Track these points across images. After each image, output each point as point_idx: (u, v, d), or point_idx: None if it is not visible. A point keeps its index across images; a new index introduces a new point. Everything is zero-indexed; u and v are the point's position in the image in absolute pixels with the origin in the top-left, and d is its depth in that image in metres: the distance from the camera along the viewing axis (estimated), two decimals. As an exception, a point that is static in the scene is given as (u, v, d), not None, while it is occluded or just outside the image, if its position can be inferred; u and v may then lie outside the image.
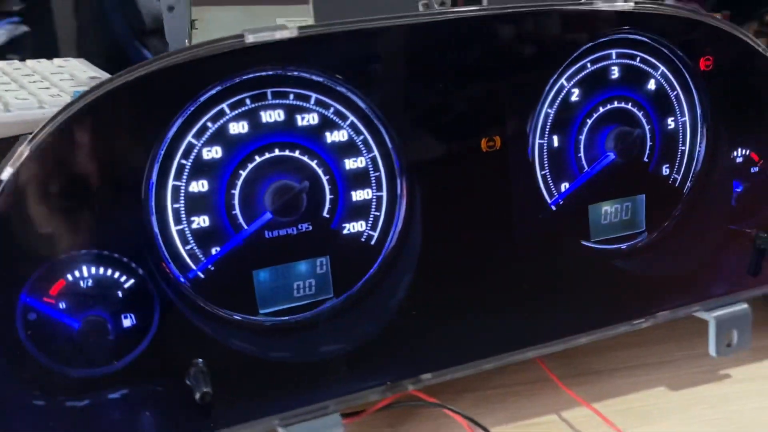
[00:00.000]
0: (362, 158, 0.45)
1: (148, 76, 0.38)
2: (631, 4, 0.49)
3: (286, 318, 0.45)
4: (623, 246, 0.54)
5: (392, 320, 0.45)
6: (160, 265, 0.41)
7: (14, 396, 0.38)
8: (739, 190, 0.56)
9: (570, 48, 0.48)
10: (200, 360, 0.40)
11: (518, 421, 0.47)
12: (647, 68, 0.52)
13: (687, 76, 0.53)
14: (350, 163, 0.45)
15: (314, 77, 0.43)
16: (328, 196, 0.45)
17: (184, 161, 0.41)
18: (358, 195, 0.46)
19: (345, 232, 0.46)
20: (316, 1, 0.43)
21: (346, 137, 0.45)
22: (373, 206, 0.46)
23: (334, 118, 0.44)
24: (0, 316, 0.38)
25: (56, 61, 0.79)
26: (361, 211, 0.46)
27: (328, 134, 0.44)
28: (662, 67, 0.52)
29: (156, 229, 0.41)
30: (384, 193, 0.46)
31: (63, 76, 0.64)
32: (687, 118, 0.54)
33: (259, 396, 0.41)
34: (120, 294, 0.41)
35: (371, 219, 0.46)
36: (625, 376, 0.51)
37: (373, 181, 0.46)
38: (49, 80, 0.60)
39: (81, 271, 0.40)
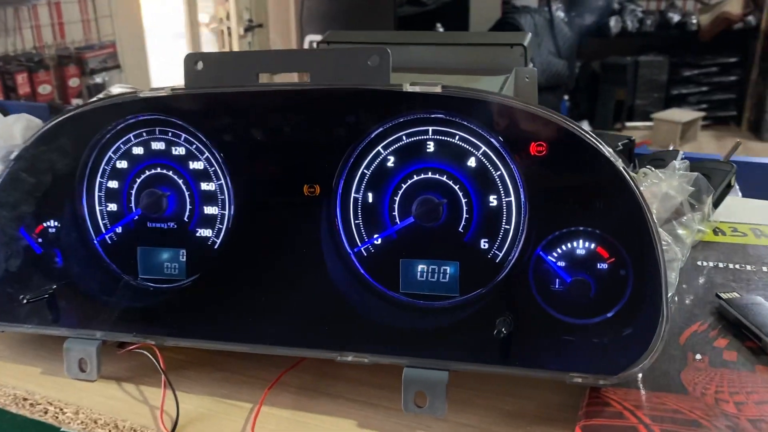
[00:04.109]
0: (213, 184, 0.63)
1: (86, 111, 0.64)
2: (438, 88, 0.56)
3: (153, 285, 0.65)
4: (431, 303, 0.58)
5: (168, 298, 0.62)
6: (80, 228, 0.66)
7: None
8: (569, 281, 0.55)
9: (376, 122, 0.57)
10: (54, 285, 0.63)
11: (218, 398, 0.58)
12: (467, 146, 0.57)
13: (508, 159, 0.56)
14: (205, 186, 0.63)
15: (181, 122, 0.63)
16: (187, 207, 0.64)
17: (106, 167, 0.66)
18: (209, 210, 0.63)
19: (198, 234, 0.64)
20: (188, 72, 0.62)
21: (203, 167, 0.63)
22: (218, 220, 0.63)
23: (195, 152, 0.63)
24: (8, 241, 0.67)
25: None
26: (211, 222, 0.63)
27: (191, 162, 0.63)
28: (484, 147, 0.56)
29: (85, 206, 0.66)
30: (227, 212, 0.63)
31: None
32: (512, 198, 0.56)
33: (69, 316, 0.63)
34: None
35: (216, 229, 0.63)
36: (339, 404, 0.55)
37: (220, 202, 0.63)
38: None
39: (50, 222, 0.67)
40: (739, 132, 5.23)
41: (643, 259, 0.52)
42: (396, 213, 0.59)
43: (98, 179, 0.66)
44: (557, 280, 0.55)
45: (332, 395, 0.57)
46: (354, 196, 0.60)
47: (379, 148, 0.59)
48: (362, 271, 0.60)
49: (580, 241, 0.55)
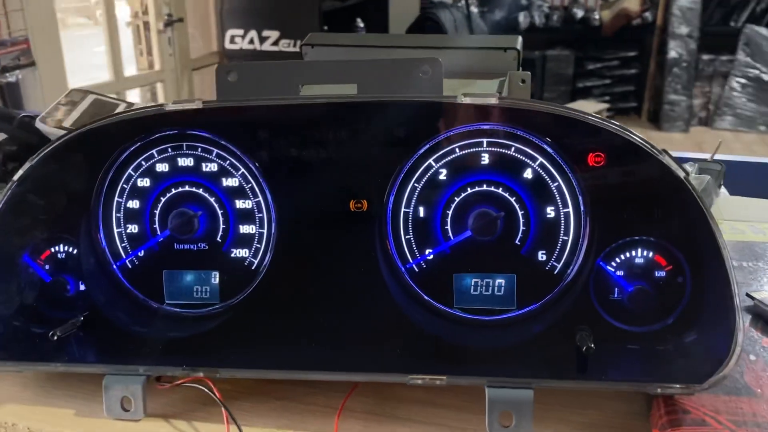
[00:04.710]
0: (250, 201, 0.59)
1: (104, 126, 0.59)
2: (495, 100, 0.55)
3: (181, 310, 0.61)
4: (488, 318, 0.57)
5: (217, 326, 0.58)
6: (98, 252, 0.61)
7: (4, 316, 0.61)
8: (630, 290, 0.55)
9: (429, 134, 0.56)
10: (81, 317, 0.58)
11: (282, 429, 0.55)
12: (523, 158, 0.56)
13: (567, 170, 0.55)
14: (240, 204, 0.60)
15: (214, 137, 0.59)
16: (220, 226, 0.60)
17: (125, 186, 0.61)
18: (245, 229, 0.60)
19: (232, 255, 0.60)
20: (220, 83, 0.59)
21: (237, 184, 0.59)
22: (256, 239, 0.60)
23: (229, 168, 0.59)
24: (9, 267, 0.61)
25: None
26: (247, 241, 0.60)
27: (224, 179, 0.60)
28: (541, 159, 0.56)
29: (101, 228, 0.61)
30: (265, 231, 0.60)
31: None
32: (570, 209, 0.56)
33: (106, 350, 0.58)
34: (81, 267, 0.61)
35: (254, 249, 0.60)
36: (413, 427, 0.54)
37: (257, 220, 0.60)
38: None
39: (58, 247, 0.61)
40: (639, 122, 5.52)
41: (707, 265, 0.53)
42: (449, 227, 0.58)
43: (116, 199, 0.61)
44: (616, 289, 0.56)
45: (401, 418, 0.55)
46: (404, 211, 0.58)
47: (431, 160, 0.57)
48: (416, 288, 0.58)
49: (639, 250, 0.55)
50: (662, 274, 0.55)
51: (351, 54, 0.97)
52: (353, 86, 0.58)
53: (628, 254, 0.55)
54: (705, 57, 5.38)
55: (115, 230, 0.61)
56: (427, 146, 0.57)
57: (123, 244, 0.61)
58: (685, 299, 0.54)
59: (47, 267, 0.61)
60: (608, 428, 0.53)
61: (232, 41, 3.52)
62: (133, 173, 0.60)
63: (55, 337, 0.55)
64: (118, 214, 0.61)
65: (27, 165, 0.60)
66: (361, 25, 4.21)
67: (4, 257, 0.60)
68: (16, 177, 0.60)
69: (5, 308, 0.59)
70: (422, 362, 0.54)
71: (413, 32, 4.04)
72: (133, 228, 0.61)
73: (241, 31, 3.51)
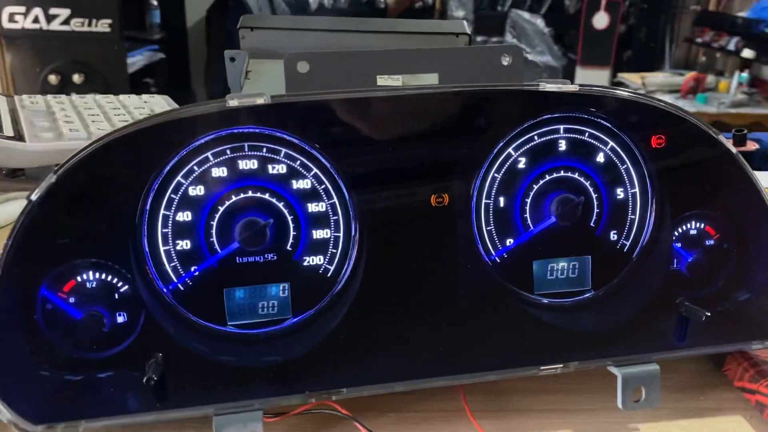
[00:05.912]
0: (323, 203, 0.54)
1: (152, 127, 0.50)
2: (575, 87, 0.56)
3: (250, 331, 0.54)
4: (567, 300, 0.59)
5: (322, 342, 0.53)
6: (147, 276, 0.52)
7: (25, 366, 0.49)
8: (690, 259, 0.60)
9: (514, 123, 0.55)
10: (160, 354, 0.49)
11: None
12: (596, 143, 0.58)
13: (636, 153, 0.58)
14: (313, 207, 0.54)
15: (283, 135, 0.52)
16: (291, 233, 0.54)
17: (173, 196, 0.52)
18: (318, 234, 0.55)
19: (305, 263, 0.55)
20: (289, 77, 0.53)
21: (310, 185, 0.54)
22: (331, 244, 0.55)
23: (300, 169, 0.53)
24: (23, 303, 0.49)
25: (143, 96, 0.95)
26: (321, 247, 0.55)
27: (294, 182, 0.54)
28: (611, 143, 0.58)
29: (146, 248, 0.52)
30: (341, 234, 0.55)
31: (143, 111, 0.78)
32: (637, 189, 0.59)
33: (203, 388, 0.50)
34: (116, 296, 0.52)
35: (329, 255, 0.55)
36: (539, 417, 0.55)
37: (332, 223, 0.55)
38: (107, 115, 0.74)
39: (87, 275, 0.51)
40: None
41: (761, 230, 0.59)
42: (528, 215, 0.58)
43: (162, 212, 0.52)
44: (676, 260, 0.60)
45: (522, 411, 0.54)
46: (485, 202, 0.57)
47: (510, 149, 0.57)
48: (502, 280, 0.57)
49: (694, 222, 0.60)
50: (711, 242, 0.60)
51: (296, 37, 0.91)
52: (434, 76, 0.55)
53: (686, 226, 0.60)
54: (480, 38, 5.83)
55: (162, 249, 0.52)
56: (510, 136, 0.56)
57: (172, 264, 0.53)
58: (731, 263, 0.60)
59: (72, 300, 0.51)
60: (695, 387, 0.58)
61: (11, 20, 3.08)
62: (183, 181, 0.52)
63: (152, 383, 0.46)
64: (165, 230, 0.52)
65: (46, 182, 0.48)
66: (155, 3, 3.94)
67: (25, 301, 0.49)
68: (33, 196, 0.48)
69: (44, 361, 0.48)
70: (545, 351, 0.54)
71: (214, 11, 3.86)
72: (184, 244, 0.53)
73: (22, 8, 3.08)
